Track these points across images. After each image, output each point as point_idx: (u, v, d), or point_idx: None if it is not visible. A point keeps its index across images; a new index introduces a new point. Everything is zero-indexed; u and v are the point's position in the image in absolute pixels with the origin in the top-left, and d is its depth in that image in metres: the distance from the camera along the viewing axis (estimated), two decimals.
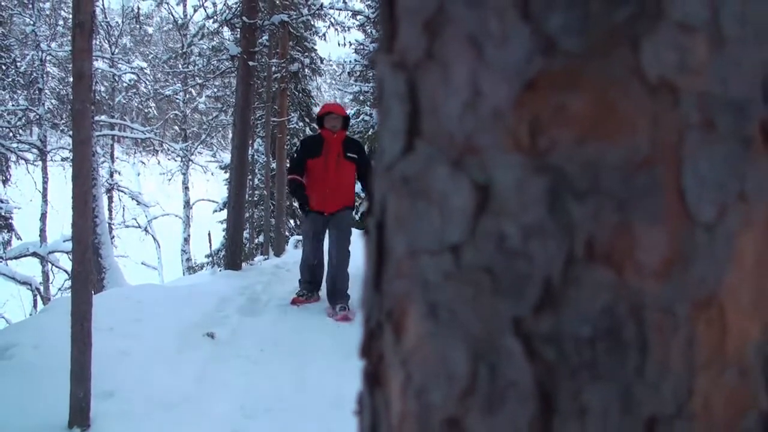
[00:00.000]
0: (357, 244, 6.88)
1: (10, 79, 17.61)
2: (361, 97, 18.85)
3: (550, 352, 0.34)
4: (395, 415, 0.41)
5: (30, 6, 17.03)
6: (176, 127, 26.35)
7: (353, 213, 6.78)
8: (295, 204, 5.95)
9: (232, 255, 10.10)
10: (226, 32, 15.90)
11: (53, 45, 18.16)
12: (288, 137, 17.37)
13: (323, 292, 6.57)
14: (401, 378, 0.40)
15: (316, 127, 6.80)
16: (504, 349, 0.35)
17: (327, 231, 6.51)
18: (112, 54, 18.53)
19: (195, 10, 16.15)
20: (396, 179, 0.40)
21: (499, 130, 0.35)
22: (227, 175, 18.82)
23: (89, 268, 3.74)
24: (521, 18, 0.34)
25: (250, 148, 13.06)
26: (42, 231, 16.43)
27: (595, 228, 0.34)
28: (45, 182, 16.51)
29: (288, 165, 7.56)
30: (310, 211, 6.38)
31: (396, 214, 0.41)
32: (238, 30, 12.19)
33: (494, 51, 0.35)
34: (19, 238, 16.26)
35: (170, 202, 23.80)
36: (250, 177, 15.88)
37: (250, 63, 10.79)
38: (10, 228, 16.65)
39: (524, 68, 0.34)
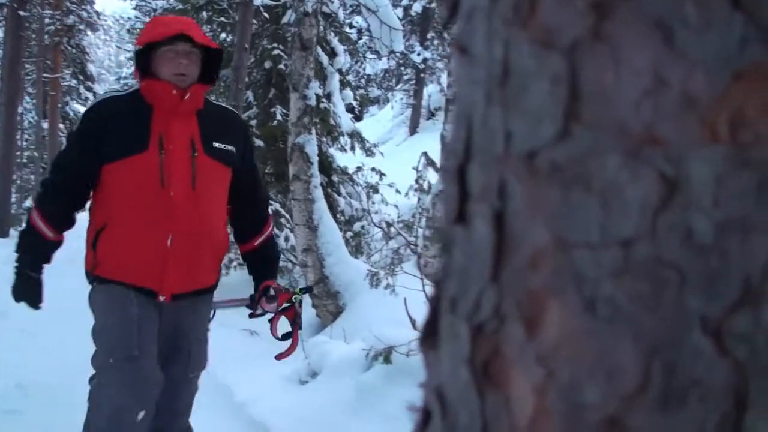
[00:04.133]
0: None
1: None
2: None
3: (743, 350, 0.34)
4: (522, 415, 0.39)
5: None
6: None
7: (212, 299, 2.85)
8: None
9: None
10: None
11: None
12: (63, 97, 16.20)
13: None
14: (537, 375, 0.38)
15: (135, 77, 2.61)
16: (688, 347, 0.35)
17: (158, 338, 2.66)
18: None
19: None
20: (541, 165, 0.38)
21: (690, 121, 0.34)
22: None
23: None
24: (732, 7, 0.33)
25: (19, 105, 12.03)
26: None
27: None
28: None
29: (45, 177, 3.06)
30: (118, 286, 2.54)
31: (532, 203, 0.39)
32: None
33: (691, 38, 0.34)
34: None
35: None
36: (18, 137, 14.66)
37: (21, 13, 9.96)
38: None
39: (734, 58, 0.33)
